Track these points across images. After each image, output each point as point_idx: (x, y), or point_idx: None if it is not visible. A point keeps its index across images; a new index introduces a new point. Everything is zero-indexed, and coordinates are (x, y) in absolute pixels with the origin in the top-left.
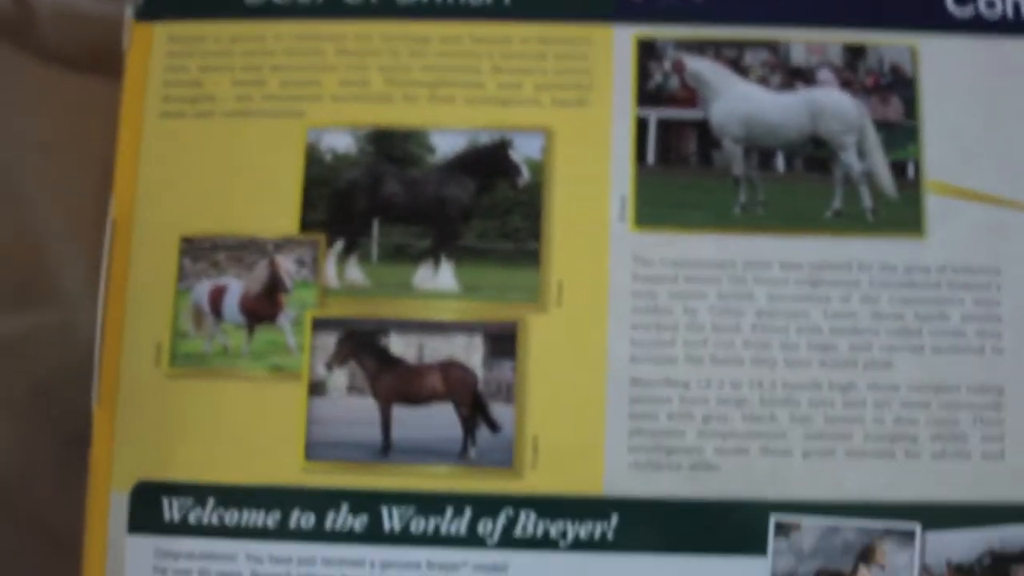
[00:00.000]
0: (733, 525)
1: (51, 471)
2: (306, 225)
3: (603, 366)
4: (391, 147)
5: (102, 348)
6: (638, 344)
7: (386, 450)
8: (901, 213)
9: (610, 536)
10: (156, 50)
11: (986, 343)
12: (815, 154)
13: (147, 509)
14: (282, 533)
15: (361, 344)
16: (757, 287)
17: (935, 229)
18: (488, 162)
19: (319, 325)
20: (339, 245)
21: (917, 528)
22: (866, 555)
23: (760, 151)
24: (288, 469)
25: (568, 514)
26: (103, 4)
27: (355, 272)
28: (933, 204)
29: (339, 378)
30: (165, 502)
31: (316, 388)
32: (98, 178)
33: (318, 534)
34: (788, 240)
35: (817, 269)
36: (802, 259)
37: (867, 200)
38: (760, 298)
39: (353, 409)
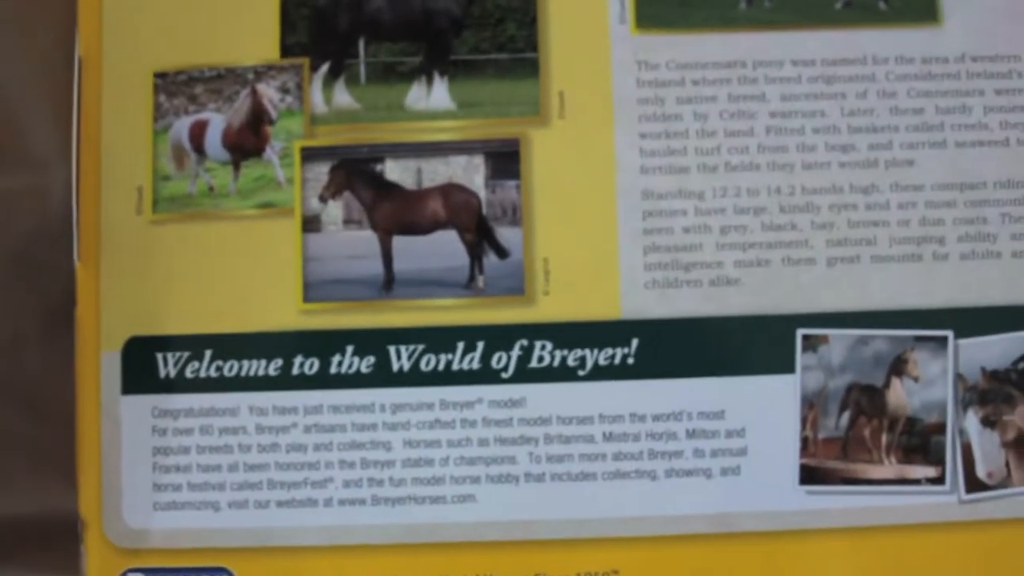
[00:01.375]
0: (758, 342)
1: (38, 343)
2: (287, 49)
3: (612, 179)
4: None
5: (79, 200)
6: (648, 154)
7: (389, 284)
8: (914, 0)
9: (630, 361)
10: None
11: (1011, 135)
12: None
13: (141, 367)
14: (285, 381)
15: (355, 172)
16: (769, 87)
17: (951, 15)
18: None
19: (309, 155)
20: (324, 68)
21: (950, 335)
22: (898, 366)
23: None
24: (286, 312)
25: (585, 341)
26: None
27: (343, 96)
28: None
29: (334, 211)
30: (159, 358)
31: (310, 223)
32: (60, 17)
33: (323, 380)
34: (798, 35)
35: (830, 65)
36: (814, 55)
37: None
38: (773, 99)
39: (351, 243)
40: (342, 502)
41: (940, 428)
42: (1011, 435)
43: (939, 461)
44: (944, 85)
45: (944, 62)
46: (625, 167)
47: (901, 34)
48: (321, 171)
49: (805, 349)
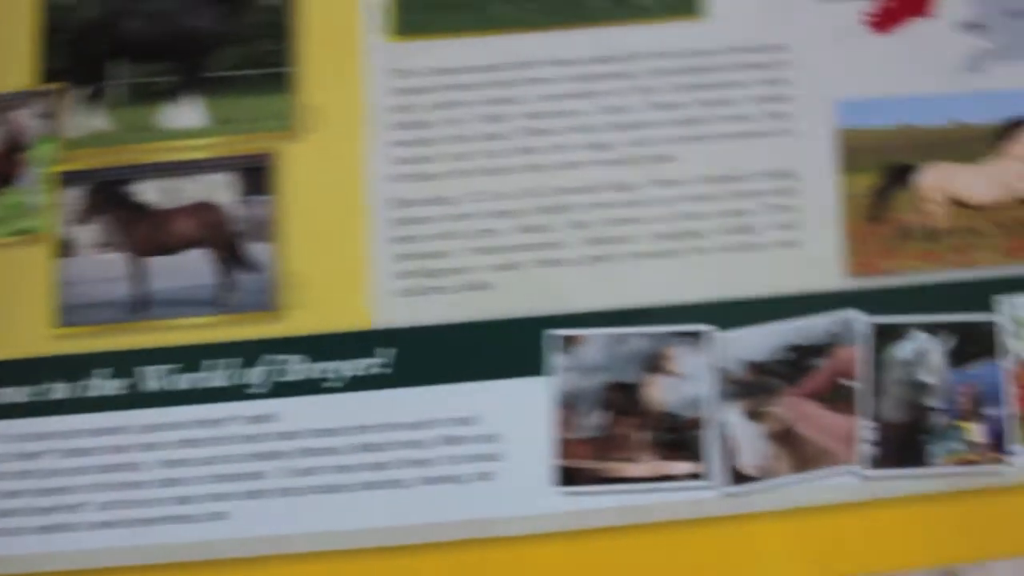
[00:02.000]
0: (512, 345)
1: None
2: (43, 74)
3: (364, 189)
4: None
5: None
6: (400, 162)
7: (144, 306)
8: None
9: (382, 371)
10: None
11: (775, 125)
12: None
13: None
14: (39, 407)
15: (109, 195)
16: (526, 88)
17: (715, 8)
18: None
19: (65, 180)
20: (81, 92)
21: (711, 329)
22: (656, 362)
23: None
24: (40, 338)
25: (337, 353)
26: None
27: (100, 119)
28: None
29: (89, 234)
30: None
31: (65, 248)
32: None
33: (77, 404)
34: (556, 35)
35: (590, 63)
36: (572, 54)
37: None
38: (530, 100)
39: (105, 266)
40: (96, 525)
41: (699, 423)
42: (775, 426)
43: (699, 456)
44: (707, 78)
45: (708, 55)
46: (376, 176)
47: (664, 29)
48: (77, 195)
49: (559, 350)
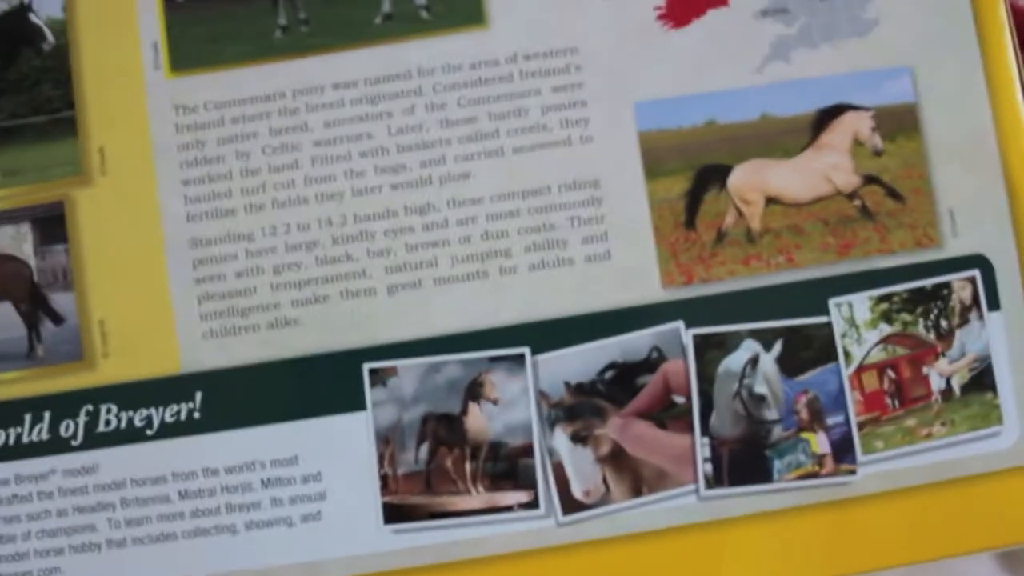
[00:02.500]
0: (326, 382)
1: None
2: None
3: (160, 231)
4: None
5: None
6: (192, 201)
7: None
8: (459, 5)
9: (196, 416)
10: None
11: (572, 133)
12: None
13: None
14: None
15: None
16: (311, 115)
17: (499, 15)
18: (8, 31)
19: None
20: None
21: (526, 352)
22: (474, 390)
23: None
24: None
25: (149, 400)
26: None
27: None
28: None
29: None
30: None
31: None
32: None
33: None
34: (338, 57)
35: (374, 84)
36: (356, 75)
37: None
38: (316, 127)
39: None
40: None
41: (528, 450)
42: (605, 449)
43: (531, 485)
44: (497, 89)
45: (495, 65)
46: (170, 217)
47: (447, 41)
48: None
49: (374, 384)
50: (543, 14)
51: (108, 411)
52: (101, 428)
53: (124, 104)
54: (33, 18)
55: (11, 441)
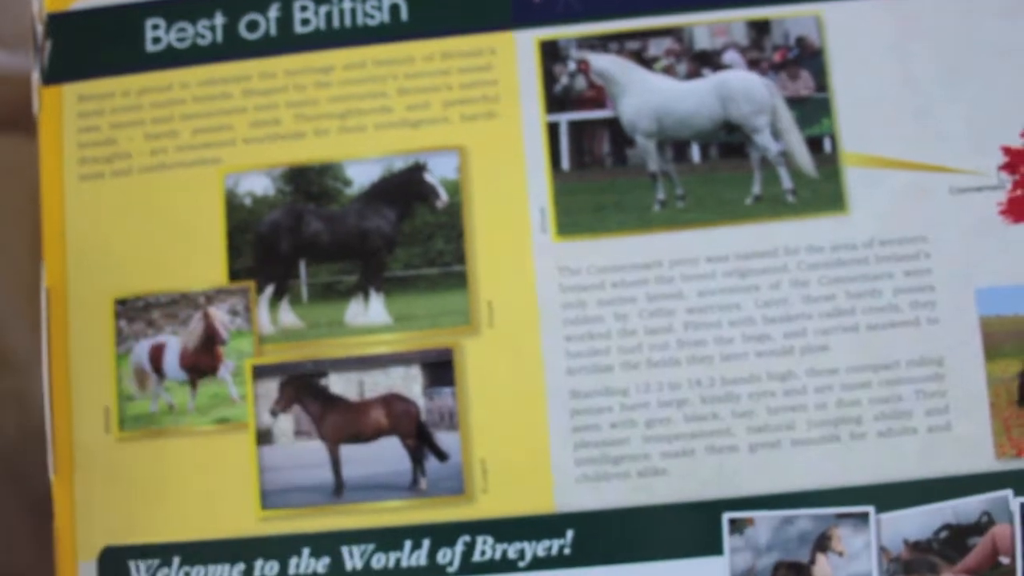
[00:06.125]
0: (687, 528)
1: (26, 537)
2: (234, 273)
3: (541, 381)
4: (308, 184)
5: (52, 417)
6: (573, 356)
7: (339, 490)
8: (822, 190)
9: (567, 551)
10: (67, 111)
11: (920, 314)
12: (729, 140)
13: (116, 575)
14: None
15: (302, 387)
16: (685, 284)
17: (858, 203)
18: (405, 188)
19: (259, 373)
20: (269, 290)
21: (871, 510)
22: (823, 543)
23: (674, 143)
24: (246, 519)
25: (523, 535)
26: (12, 60)
27: (288, 316)
28: (853, 177)
29: (285, 424)
30: (132, 566)
31: (264, 436)
32: (30, 240)
33: None
34: (711, 232)
35: (743, 259)
36: (727, 250)
37: (786, 181)
38: (690, 295)
39: (302, 453)
40: None
41: None
42: None
43: None
44: (854, 271)
45: (852, 248)
46: (553, 369)
47: (810, 224)
48: (271, 387)
49: (732, 532)
50: (897, 204)
51: (484, 542)
52: (476, 558)
53: (512, 262)
54: (428, 177)
55: (391, 564)
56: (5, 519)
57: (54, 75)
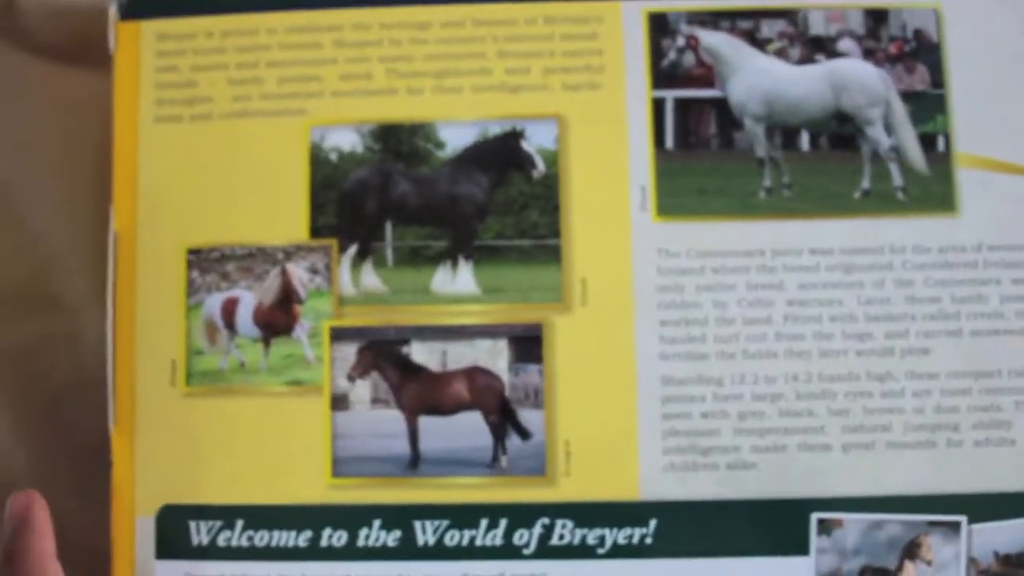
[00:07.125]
0: (774, 525)
1: (71, 484)
2: (316, 230)
3: (632, 365)
4: (398, 143)
5: (115, 368)
6: (667, 341)
7: (415, 463)
8: (932, 190)
9: (648, 541)
10: (145, 49)
11: None
12: (840, 131)
13: (175, 533)
14: (313, 553)
15: (382, 353)
16: (787, 275)
17: (968, 205)
18: (500, 155)
19: (337, 335)
20: (352, 250)
21: (963, 520)
22: (911, 550)
23: (783, 130)
24: (315, 486)
25: (605, 521)
26: None
27: (371, 278)
28: (965, 178)
29: (362, 390)
30: (192, 526)
31: (338, 402)
32: (95, 178)
33: (350, 552)
34: (817, 224)
35: (849, 254)
36: (832, 244)
37: (897, 178)
38: (791, 287)
39: (378, 422)
40: None
41: None
42: None
43: None
44: (961, 274)
45: (961, 251)
46: (644, 353)
47: (919, 223)
48: (349, 351)
49: (820, 532)
50: (1009, 208)
51: (563, 526)
52: (554, 541)
53: (608, 240)
54: (525, 145)
55: (464, 542)
56: (48, 467)
57: (132, 10)
